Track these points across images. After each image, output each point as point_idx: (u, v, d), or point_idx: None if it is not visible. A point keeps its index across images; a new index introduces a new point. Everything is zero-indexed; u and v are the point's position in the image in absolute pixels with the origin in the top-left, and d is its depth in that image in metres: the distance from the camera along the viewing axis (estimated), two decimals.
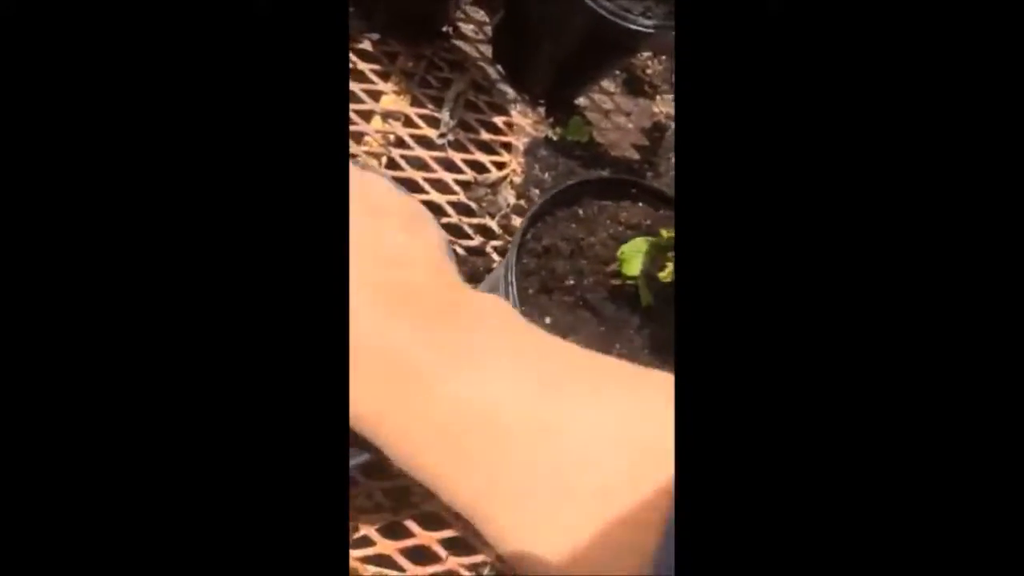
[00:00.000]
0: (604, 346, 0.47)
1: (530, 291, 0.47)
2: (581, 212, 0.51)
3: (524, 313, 0.44)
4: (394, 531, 0.49)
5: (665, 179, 0.73)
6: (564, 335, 0.46)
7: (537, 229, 0.49)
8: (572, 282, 0.48)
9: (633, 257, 0.47)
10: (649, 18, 0.63)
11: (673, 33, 0.62)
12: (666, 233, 0.47)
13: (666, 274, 0.46)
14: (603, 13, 0.57)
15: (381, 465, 0.47)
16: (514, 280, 0.43)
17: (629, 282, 0.48)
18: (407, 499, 0.50)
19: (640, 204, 0.53)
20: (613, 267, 0.49)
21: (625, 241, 0.48)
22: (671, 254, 0.46)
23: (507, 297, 0.44)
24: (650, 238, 0.47)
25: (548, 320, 0.47)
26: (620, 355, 0.47)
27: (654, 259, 0.47)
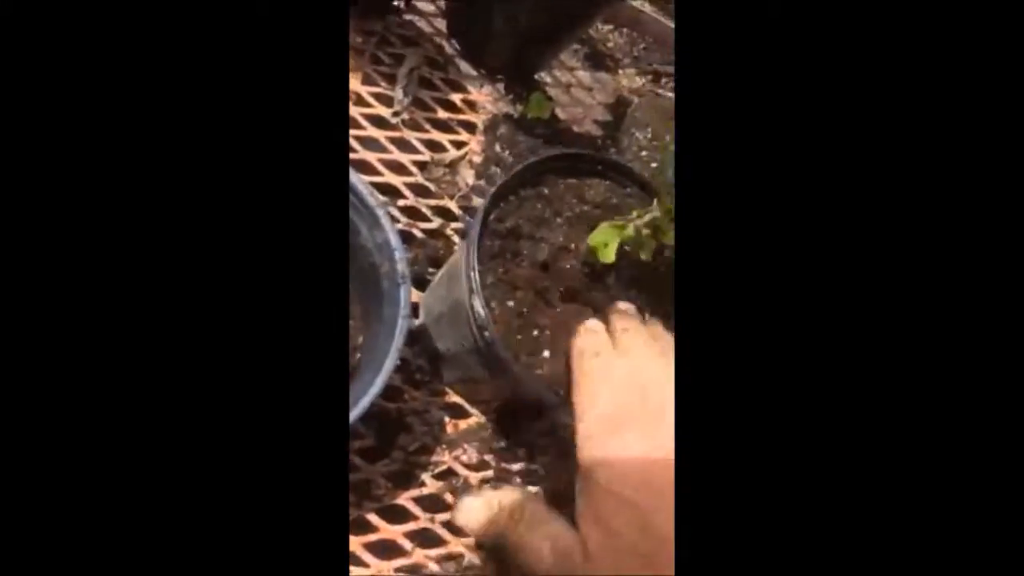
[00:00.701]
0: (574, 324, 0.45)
1: (492, 275, 0.45)
2: (546, 191, 0.49)
3: (487, 296, 0.42)
4: (358, 526, 0.47)
5: (627, 154, 0.71)
6: (532, 316, 0.45)
7: (500, 210, 0.47)
8: (537, 263, 0.46)
9: (607, 244, 0.45)
10: None
11: (632, 3, 0.60)
12: (638, 214, 0.45)
13: (646, 254, 0.44)
14: None
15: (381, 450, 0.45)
16: (475, 264, 0.41)
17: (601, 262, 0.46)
18: (369, 492, 0.48)
19: (605, 181, 0.51)
20: (580, 247, 0.47)
21: (591, 222, 0.47)
22: (646, 233, 0.44)
23: (468, 281, 0.42)
24: (616, 222, 0.46)
25: (511, 303, 0.45)
26: None
27: (636, 244, 0.45)
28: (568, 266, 0.47)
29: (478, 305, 0.41)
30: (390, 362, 0.34)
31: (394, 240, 0.37)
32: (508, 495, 0.38)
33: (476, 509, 0.39)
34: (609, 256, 0.45)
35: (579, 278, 0.47)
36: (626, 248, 0.45)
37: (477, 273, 0.42)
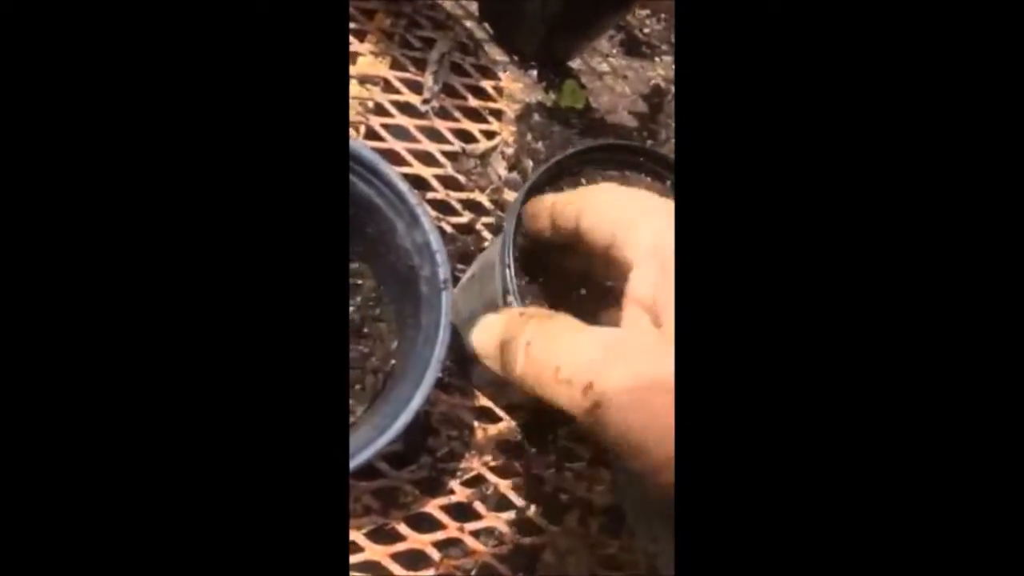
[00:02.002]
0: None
1: (527, 273, 0.42)
2: (583, 182, 0.46)
3: (522, 294, 0.40)
4: (384, 535, 0.45)
5: (666, 147, 0.68)
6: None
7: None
8: (571, 261, 0.43)
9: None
10: None
11: None
12: None
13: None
14: None
15: (371, 467, 0.43)
16: (511, 262, 0.38)
17: None
18: (396, 500, 0.46)
19: (645, 176, 0.48)
20: None
21: None
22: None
23: (503, 280, 0.39)
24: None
25: (546, 304, 0.42)
26: None
27: None
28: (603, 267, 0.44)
29: (514, 305, 0.39)
30: (431, 375, 0.32)
31: (435, 242, 0.35)
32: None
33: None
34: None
35: (617, 276, 0.44)
36: None
37: (513, 271, 0.39)
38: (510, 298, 0.39)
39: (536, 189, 0.44)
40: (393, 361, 0.39)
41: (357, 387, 0.39)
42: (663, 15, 0.77)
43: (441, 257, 0.35)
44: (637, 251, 0.29)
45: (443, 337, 0.33)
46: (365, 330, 0.40)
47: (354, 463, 0.30)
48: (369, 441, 0.30)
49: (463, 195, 0.57)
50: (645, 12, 0.76)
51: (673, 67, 0.74)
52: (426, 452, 0.48)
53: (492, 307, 0.44)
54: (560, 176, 0.45)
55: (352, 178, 0.37)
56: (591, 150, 0.47)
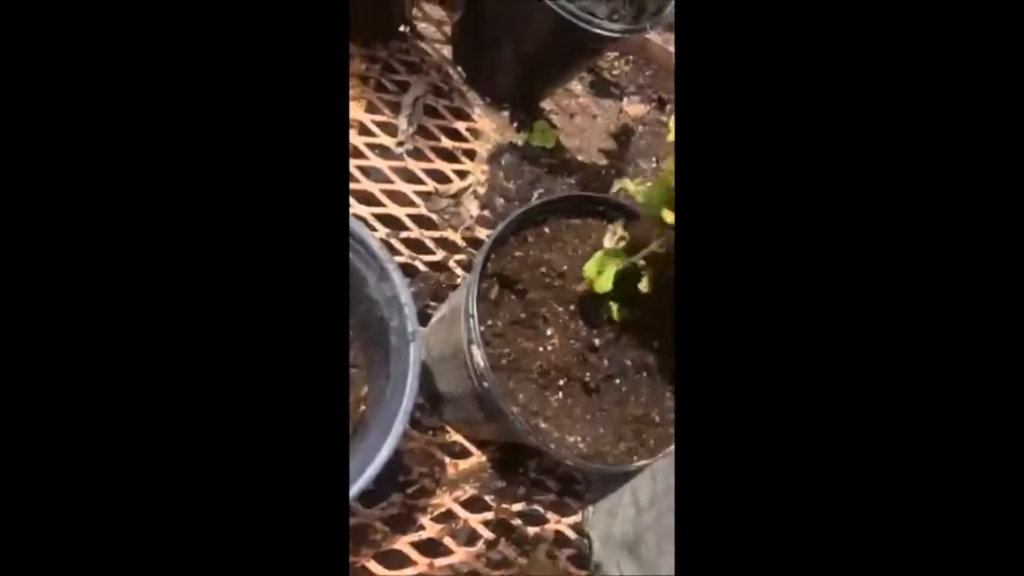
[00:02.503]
0: (573, 364, 0.45)
1: (491, 318, 0.44)
2: (547, 231, 0.48)
3: (487, 343, 0.42)
4: (356, 573, 0.46)
5: (634, 181, 0.70)
6: (531, 360, 0.44)
7: (500, 251, 0.46)
8: (536, 307, 0.45)
9: (603, 274, 0.44)
10: (615, 21, 0.61)
11: (641, 35, 0.59)
12: (620, 235, 0.45)
13: (645, 284, 0.44)
14: (566, 16, 0.55)
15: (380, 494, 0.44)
16: (475, 311, 0.40)
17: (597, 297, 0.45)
18: (366, 538, 0.47)
19: (606, 222, 0.51)
20: (580, 287, 0.46)
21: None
22: (642, 263, 0.44)
23: (467, 330, 0.41)
24: (611, 249, 0.45)
25: (507, 350, 0.44)
26: (602, 370, 0.45)
27: (626, 273, 0.45)
28: (566, 307, 0.46)
29: (477, 355, 0.41)
30: (399, 425, 0.34)
31: (404, 295, 0.37)
32: None
33: None
34: (605, 285, 0.44)
35: (577, 317, 0.46)
36: (623, 279, 0.44)
37: (476, 321, 0.41)
38: (474, 347, 0.41)
39: (501, 240, 0.46)
40: (363, 408, 0.41)
41: None
42: (631, 57, 0.80)
43: (410, 310, 0.36)
44: None
45: (411, 388, 0.35)
46: None
47: None
48: None
49: (436, 233, 0.59)
50: (614, 54, 0.78)
51: (641, 106, 0.77)
52: (397, 489, 0.49)
53: (459, 351, 0.46)
54: (525, 225, 0.48)
55: None
56: (556, 201, 0.49)
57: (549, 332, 0.45)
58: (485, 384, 0.39)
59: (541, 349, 0.44)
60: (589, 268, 0.45)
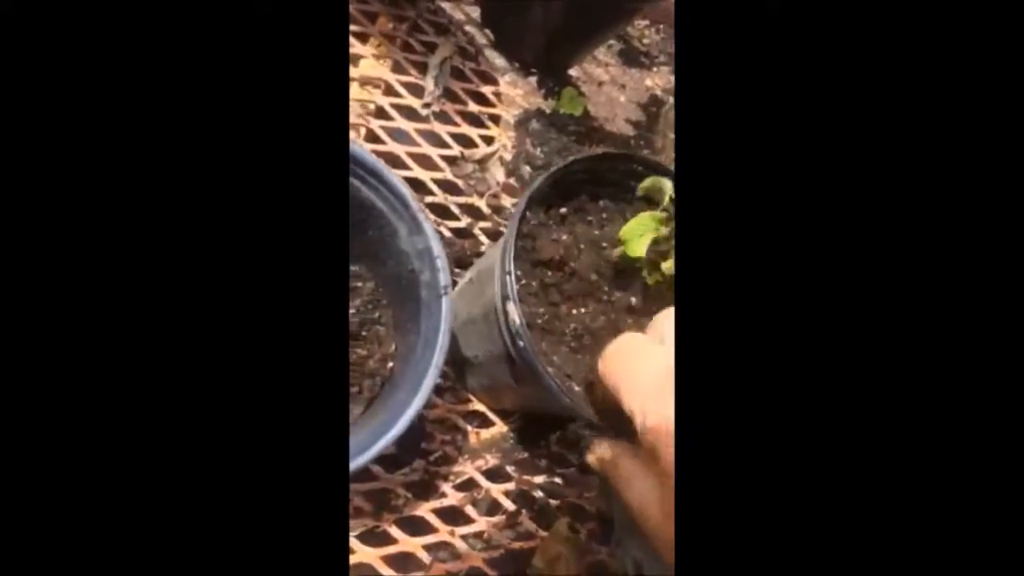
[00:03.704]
0: (607, 328, 0.43)
1: (527, 279, 0.43)
2: (583, 192, 0.46)
3: (520, 299, 0.40)
4: (377, 537, 0.45)
5: (662, 156, 0.69)
6: (565, 323, 0.43)
7: (535, 209, 0.44)
8: (571, 269, 0.44)
9: (637, 238, 0.43)
10: None
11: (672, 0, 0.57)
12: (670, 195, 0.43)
13: (669, 266, 0.42)
14: None
15: (365, 469, 0.43)
16: (511, 268, 0.39)
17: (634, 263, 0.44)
18: (388, 503, 0.46)
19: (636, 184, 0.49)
20: (616, 251, 0.45)
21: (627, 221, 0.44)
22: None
23: (504, 286, 0.39)
24: (655, 213, 0.43)
25: (543, 311, 0.43)
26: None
27: (659, 244, 0.43)
28: (601, 272, 0.45)
29: (513, 312, 0.39)
30: (430, 381, 0.32)
31: (436, 247, 0.35)
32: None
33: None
34: (639, 250, 0.42)
35: (612, 281, 0.44)
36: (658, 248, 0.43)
37: (513, 278, 0.39)
38: (510, 304, 0.39)
39: (538, 196, 0.45)
40: (391, 364, 0.39)
41: (354, 390, 0.39)
42: (661, 26, 0.77)
43: (442, 263, 0.35)
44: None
45: (443, 343, 0.33)
46: (363, 333, 0.40)
47: (351, 467, 0.30)
48: (366, 445, 0.31)
49: (461, 199, 0.57)
50: (644, 23, 0.76)
51: (670, 77, 0.75)
52: (419, 455, 0.48)
53: (490, 311, 0.44)
54: (561, 183, 0.46)
55: (355, 182, 0.37)
56: (589, 159, 0.47)
57: (584, 295, 0.43)
58: (520, 343, 0.38)
59: (575, 312, 0.42)
60: (628, 230, 0.43)
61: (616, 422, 0.31)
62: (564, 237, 0.44)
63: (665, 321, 0.32)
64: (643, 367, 0.29)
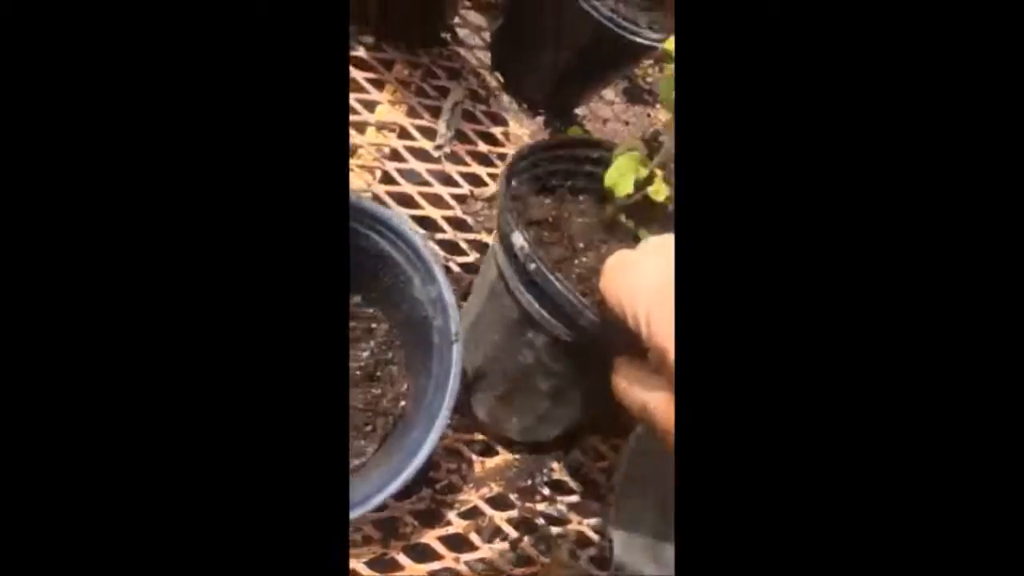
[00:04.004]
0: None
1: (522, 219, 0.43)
2: (565, 191, 0.47)
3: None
4: (384, 564, 0.48)
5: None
6: (568, 268, 0.42)
7: (521, 167, 0.45)
8: (564, 222, 0.45)
9: (624, 175, 0.44)
10: (655, 31, 0.61)
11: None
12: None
13: (656, 189, 0.42)
14: (607, 24, 0.55)
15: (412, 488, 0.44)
16: (510, 204, 0.39)
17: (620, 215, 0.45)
18: (396, 531, 0.49)
19: None
20: (608, 208, 0.46)
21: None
22: (660, 174, 0.43)
23: (506, 223, 0.39)
24: (630, 153, 0.44)
25: (543, 253, 0.42)
26: None
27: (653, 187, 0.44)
28: (594, 225, 0.46)
29: (519, 240, 0.38)
30: (441, 422, 0.35)
31: (448, 296, 0.38)
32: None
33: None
34: (627, 187, 0.42)
35: (606, 232, 0.45)
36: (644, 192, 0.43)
37: (512, 216, 0.39)
38: (515, 235, 0.38)
39: (535, 149, 0.45)
40: (403, 403, 0.42)
41: (368, 428, 0.41)
42: (664, 64, 0.80)
43: (453, 311, 0.37)
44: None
45: (453, 387, 0.36)
46: (378, 373, 0.43)
47: (369, 506, 0.32)
48: (382, 484, 0.33)
49: (470, 236, 0.60)
50: (648, 62, 0.79)
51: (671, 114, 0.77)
52: (426, 484, 0.51)
53: (495, 287, 0.43)
54: (546, 149, 0.46)
55: (373, 235, 0.40)
56: (547, 146, 0.47)
57: (581, 245, 0.44)
58: (532, 265, 0.37)
59: (576, 262, 0.43)
60: (611, 176, 0.43)
61: (623, 335, 0.32)
62: (549, 201, 0.46)
63: (657, 240, 0.34)
64: (641, 276, 0.31)
